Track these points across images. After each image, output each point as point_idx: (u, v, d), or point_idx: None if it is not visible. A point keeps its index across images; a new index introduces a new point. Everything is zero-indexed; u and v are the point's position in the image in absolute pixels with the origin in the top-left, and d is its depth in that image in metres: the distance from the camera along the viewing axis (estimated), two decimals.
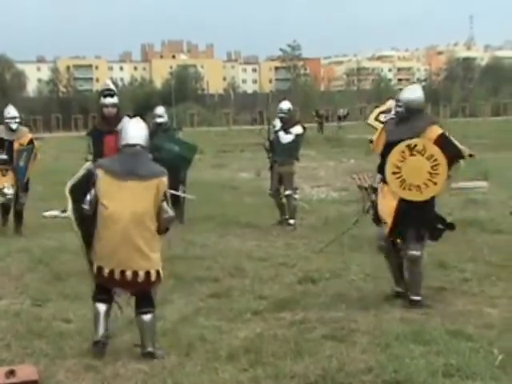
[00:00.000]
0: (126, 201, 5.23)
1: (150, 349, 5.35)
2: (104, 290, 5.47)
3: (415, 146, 6.59)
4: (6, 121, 10.89)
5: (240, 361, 5.27)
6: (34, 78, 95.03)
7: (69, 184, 5.58)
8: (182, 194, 11.59)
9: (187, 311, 6.59)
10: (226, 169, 23.26)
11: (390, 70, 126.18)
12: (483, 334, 5.75)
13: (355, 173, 15.73)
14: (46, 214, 12.93)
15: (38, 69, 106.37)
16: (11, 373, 4.83)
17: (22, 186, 10.97)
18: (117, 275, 5.27)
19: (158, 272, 5.33)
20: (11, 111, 10.95)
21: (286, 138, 11.24)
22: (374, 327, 5.93)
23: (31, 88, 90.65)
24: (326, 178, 19.31)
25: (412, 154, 6.60)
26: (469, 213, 11.42)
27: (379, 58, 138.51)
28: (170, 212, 5.36)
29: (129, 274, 5.24)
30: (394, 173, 6.64)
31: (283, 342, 5.64)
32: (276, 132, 11.44)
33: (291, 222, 11.37)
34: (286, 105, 11.47)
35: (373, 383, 4.82)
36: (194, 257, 8.89)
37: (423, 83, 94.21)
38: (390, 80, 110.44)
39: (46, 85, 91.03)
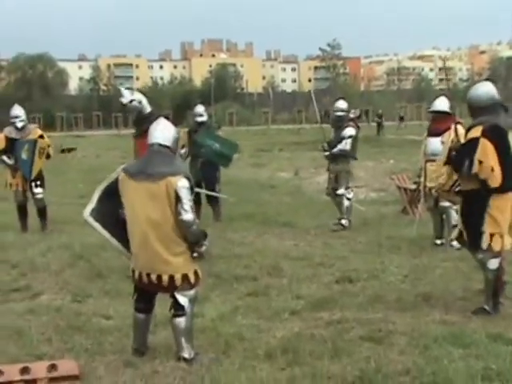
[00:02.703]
0: (141, 203, 5.11)
1: (182, 354, 5.26)
2: (142, 296, 5.43)
3: None
4: (11, 120, 10.98)
5: (277, 360, 5.28)
6: (76, 76, 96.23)
7: (102, 186, 5.59)
8: (214, 194, 11.55)
9: (225, 309, 6.61)
10: (265, 168, 23.28)
11: (431, 70, 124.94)
12: None
13: (394, 173, 15.68)
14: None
15: (80, 67, 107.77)
16: (53, 367, 4.91)
17: (29, 180, 10.95)
18: (144, 278, 5.23)
19: (185, 276, 5.18)
20: (14, 110, 11.02)
21: (344, 145, 11.19)
22: (412, 329, 5.88)
23: (73, 86, 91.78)
24: (365, 179, 19.20)
25: None
26: None
27: (420, 58, 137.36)
28: (185, 215, 5.02)
29: (153, 277, 5.18)
30: None
31: (321, 341, 5.62)
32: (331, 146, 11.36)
33: (343, 222, 11.31)
34: (343, 104, 11.43)
35: None
36: (233, 255, 8.92)
37: (465, 83, 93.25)
38: (430, 80, 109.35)
39: (87, 83, 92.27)
